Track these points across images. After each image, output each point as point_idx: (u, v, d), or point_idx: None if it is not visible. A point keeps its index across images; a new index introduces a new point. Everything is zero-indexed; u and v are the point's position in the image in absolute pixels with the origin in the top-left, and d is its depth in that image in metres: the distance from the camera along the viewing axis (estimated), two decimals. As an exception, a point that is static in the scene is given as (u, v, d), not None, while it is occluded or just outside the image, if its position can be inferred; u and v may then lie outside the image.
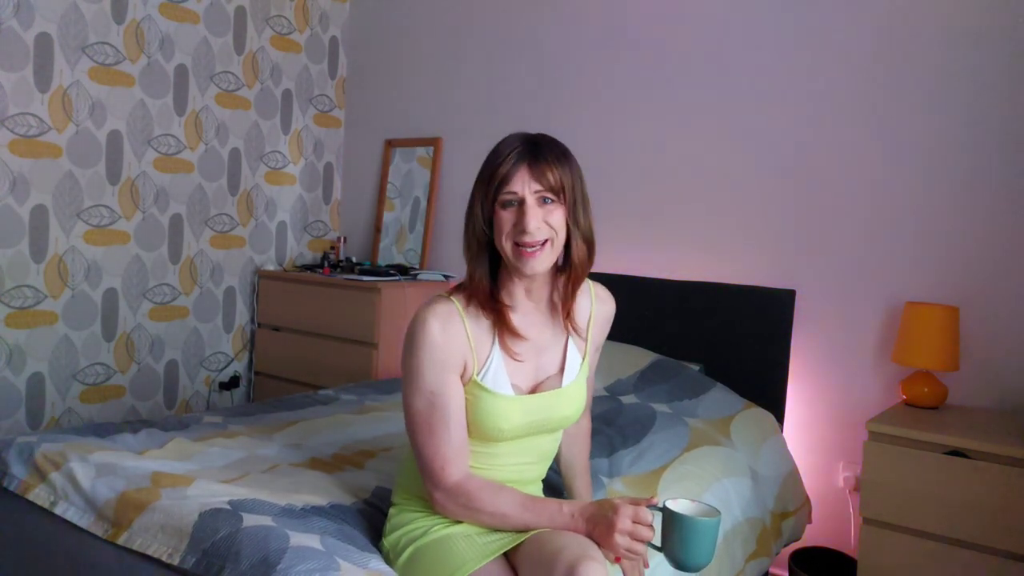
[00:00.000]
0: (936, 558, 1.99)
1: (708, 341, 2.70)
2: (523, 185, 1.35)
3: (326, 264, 3.47)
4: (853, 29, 2.51)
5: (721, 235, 2.77)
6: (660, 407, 2.36)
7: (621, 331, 2.78)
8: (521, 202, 1.36)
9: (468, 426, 1.41)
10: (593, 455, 2.06)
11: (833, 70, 2.55)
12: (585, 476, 1.68)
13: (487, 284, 1.42)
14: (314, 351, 3.28)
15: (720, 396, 2.46)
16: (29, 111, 2.73)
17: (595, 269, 2.97)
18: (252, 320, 3.55)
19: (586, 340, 1.53)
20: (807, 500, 2.42)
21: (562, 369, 1.49)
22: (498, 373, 1.42)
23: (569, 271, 1.44)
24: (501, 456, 1.46)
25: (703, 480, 2.02)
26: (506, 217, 1.36)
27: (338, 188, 3.90)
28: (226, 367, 3.48)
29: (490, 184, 1.37)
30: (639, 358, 2.61)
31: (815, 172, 2.59)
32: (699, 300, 2.73)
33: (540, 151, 1.38)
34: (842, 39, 2.53)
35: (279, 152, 3.60)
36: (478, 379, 1.40)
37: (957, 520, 1.95)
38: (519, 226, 1.35)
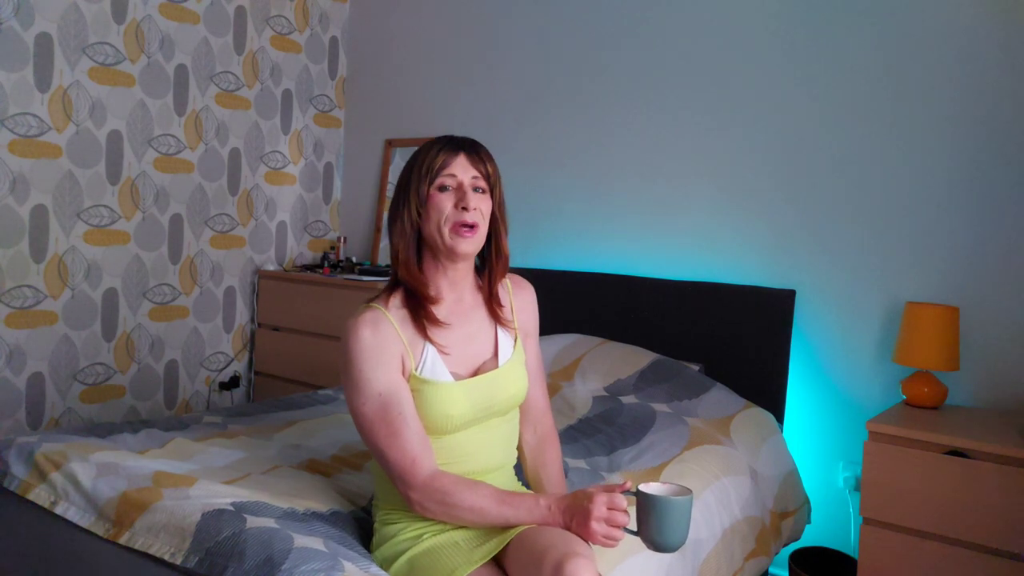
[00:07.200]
0: (936, 558, 1.99)
1: (708, 341, 2.70)
2: (462, 170, 1.45)
3: (326, 264, 3.47)
4: (853, 30, 2.51)
5: (721, 235, 2.77)
6: (660, 407, 2.36)
7: (620, 331, 2.80)
8: (459, 186, 1.45)
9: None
10: (593, 453, 2.06)
11: (833, 70, 2.55)
12: (559, 482, 1.64)
13: (416, 272, 1.48)
14: (314, 351, 3.28)
15: (720, 396, 2.46)
16: (29, 111, 2.73)
17: (595, 269, 2.99)
18: (252, 320, 3.55)
19: (514, 328, 1.59)
20: (807, 500, 2.42)
21: (496, 352, 1.53)
22: (435, 364, 1.45)
23: (492, 261, 1.53)
24: (460, 447, 1.46)
25: (703, 478, 2.02)
26: (444, 199, 1.44)
27: (338, 188, 3.90)
28: (226, 367, 3.48)
29: (428, 170, 1.44)
30: (639, 358, 2.61)
31: (815, 172, 2.59)
32: (699, 300, 2.73)
33: (474, 145, 1.50)
34: (842, 39, 2.53)
35: (279, 152, 3.60)
36: (417, 374, 1.43)
37: (957, 520, 1.96)
38: (459, 205, 1.43)
